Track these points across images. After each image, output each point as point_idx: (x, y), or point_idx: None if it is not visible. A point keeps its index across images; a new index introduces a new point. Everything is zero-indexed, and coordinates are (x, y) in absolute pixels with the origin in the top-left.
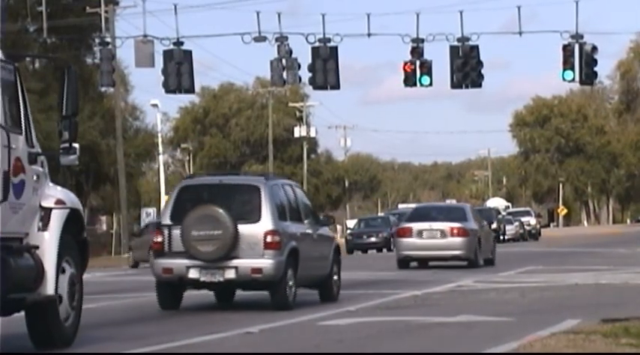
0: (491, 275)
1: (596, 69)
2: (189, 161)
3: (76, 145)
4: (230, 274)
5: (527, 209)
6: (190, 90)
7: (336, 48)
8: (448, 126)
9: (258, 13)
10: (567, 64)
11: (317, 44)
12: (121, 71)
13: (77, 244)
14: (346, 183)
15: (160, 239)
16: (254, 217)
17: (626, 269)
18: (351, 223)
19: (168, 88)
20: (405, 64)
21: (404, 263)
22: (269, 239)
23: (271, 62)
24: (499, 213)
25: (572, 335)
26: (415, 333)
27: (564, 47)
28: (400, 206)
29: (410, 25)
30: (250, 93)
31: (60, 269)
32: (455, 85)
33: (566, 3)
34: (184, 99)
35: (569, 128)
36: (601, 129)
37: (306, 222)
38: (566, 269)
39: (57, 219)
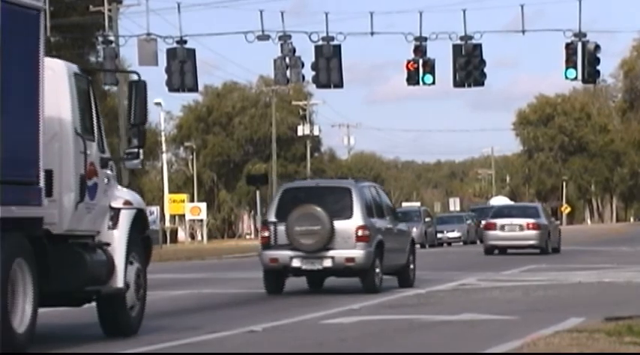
0: (495, 273)
1: (598, 67)
2: (192, 159)
3: (140, 151)
4: (327, 263)
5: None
6: (194, 88)
7: (339, 46)
8: (452, 125)
9: (261, 12)
10: (570, 62)
11: (320, 43)
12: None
13: (142, 241)
14: None
15: (266, 234)
16: (347, 214)
17: (629, 267)
18: None
19: (172, 87)
20: (408, 62)
21: (490, 251)
22: (360, 233)
23: (275, 61)
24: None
25: (576, 333)
26: (418, 332)
27: (567, 46)
28: (404, 204)
29: (413, 23)
30: (254, 91)
31: (127, 264)
32: (457, 84)
33: (570, 1)
34: (188, 98)
35: (573, 126)
36: (604, 128)
37: (387, 218)
38: (569, 267)
39: (125, 218)
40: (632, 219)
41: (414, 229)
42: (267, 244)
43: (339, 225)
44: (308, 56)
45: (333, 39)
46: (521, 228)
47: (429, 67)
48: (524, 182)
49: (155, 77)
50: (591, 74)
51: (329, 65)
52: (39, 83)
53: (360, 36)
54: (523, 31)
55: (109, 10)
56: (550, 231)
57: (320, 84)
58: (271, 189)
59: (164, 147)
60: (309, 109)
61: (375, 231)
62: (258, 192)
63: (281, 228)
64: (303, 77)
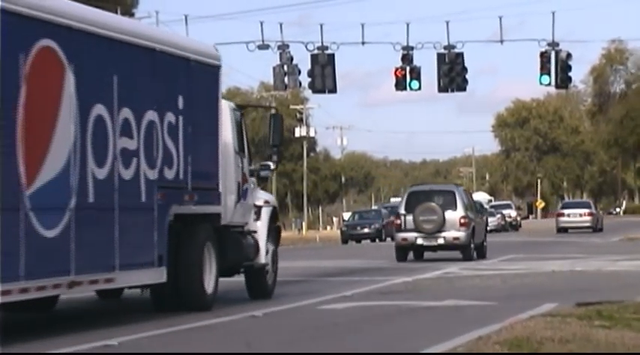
0: (475, 263)
1: (570, 74)
2: None
3: (272, 164)
4: (440, 241)
5: (509, 202)
6: None
7: (333, 55)
8: (437, 127)
9: (261, 23)
10: (544, 69)
11: (316, 52)
12: None
13: (274, 229)
14: (343, 179)
15: (399, 222)
16: (453, 208)
17: (599, 257)
18: (347, 215)
19: None
20: (396, 69)
21: (561, 231)
22: (462, 221)
23: (274, 68)
24: (482, 206)
25: (550, 317)
26: (406, 316)
27: (542, 54)
28: (392, 199)
29: (401, 34)
30: (255, 96)
31: (267, 246)
32: (442, 89)
33: (545, 14)
34: None
35: (547, 128)
36: (576, 130)
37: (474, 211)
38: (544, 257)
39: (265, 213)
40: (601, 213)
41: None
42: (399, 229)
43: (448, 215)
44: (304, 64)
45: (327, 48)
46: (580, 215)
47: (416, 74)
48: (503, 179)
49: None
50: (564, 80)
51: (324, 72)
52: (219, 118)
53: (353, 45)
54: (501, 41)
55: None
56: (598, 217)
57: (315, 89)
58: (271, 185)
59: None
60: (305, 113)
61: (470, 220)
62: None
63: (409, 217)
64: (300, 83)
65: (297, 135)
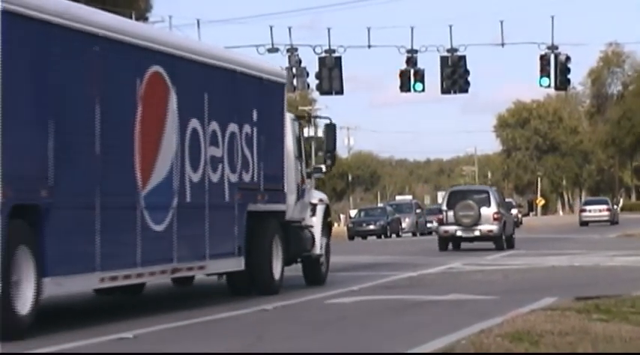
0: (478, 258)
1: (569, 76)
2: None
3: (324, 167)
4: (477, 233)
5: (510, 200)
6: None
7: (340, 58)
8: (440, 127)
9: (271, 28)
10: (544, 71)
11: (323, 54)
12: None
13: (327, 224)
14: (349, 178)
15: (441, 216)
16: (487, 205)
17: (597, 253)
18: (353, 213)
19: None
20: (401, 72)
21: (583, 224)
22: (495, 216)
23: None
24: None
25: (550, 311)
26: (411, 310)
27: (541, 57)
28: (397, 197)
29: (405, 37)
30: None
31: (321, 239)
32: (445, 91)
33: (545, 18)
34: None
35: (547, 129)
36: (574, 130)
37: (504, 208)
38: (544, 253)
39: (320, 210)
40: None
41: (407, 219)
42: (441, 222)
43: (483, 211)
44: (312, 66)
45: (334, 51)
46: (600, 210)
47: (420, 76)
48: (504, 178)
49: None
50: (563, 82)
51: (331, 74)
52: (284, 128)
53: (359, 48)
54: (503, 44)
55: None
56: (615, 212)
57: (323, 91)
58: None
59: None
60: (313, 113)
61: (502, 215)
62: None
63: (450, 213)
64: (308, 85)
65: (305, 135)
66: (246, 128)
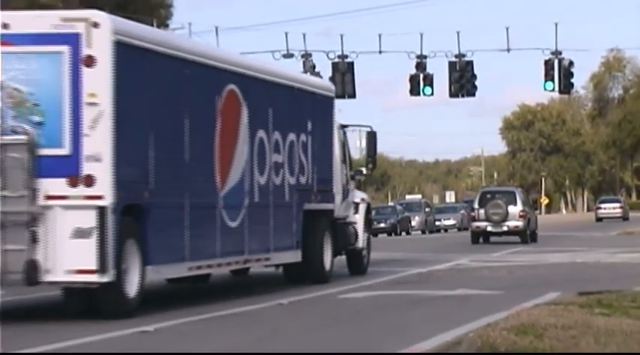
0: (484, 255)
1: (572, 80)
2: None
3: (364, 170)
4: (505, 228)
5: None
6: None
7: (352, 63)
8: (448, 130)
9: (286, 34)
10: (548, 76)
11: (336, 60)
12: None
13: (368, 220)
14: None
15: (473, 214)
16: (514, 203)
17: (599, 250)
18: None
19: None
20: (411, 76)
21: (599, 220)
22: (521, 213)
23: None
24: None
25: (553, 306)
26: (421, 305)
27: (546, 62)
28: (407, 197)
29: (415, 43)
30: None
31: (363, 234)
32: (453, 95)
33: (547, 25)
34: None
35: (550, 131)
36: (577, 132)
37: (528, 206)
38: (547, 250)
39: (362, 208)
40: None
41: (417, 218)
42: (474, 219)
43: (510, 209)
44: (326, 71)
45: (347, 57)
46: (614, 207)
47: (429, 81)
48: (509, 178)
49: None
50: (566, 86)
51: (344, 79)
52: (333, 137)
53: (371, 54)
54: (508, 50)
55: None
56: (626, 209)
57: (336, 95)
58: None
59: None
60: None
61: (526, 213)
62: None
63: (481, 211)
64: None
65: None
66: (302, 137)
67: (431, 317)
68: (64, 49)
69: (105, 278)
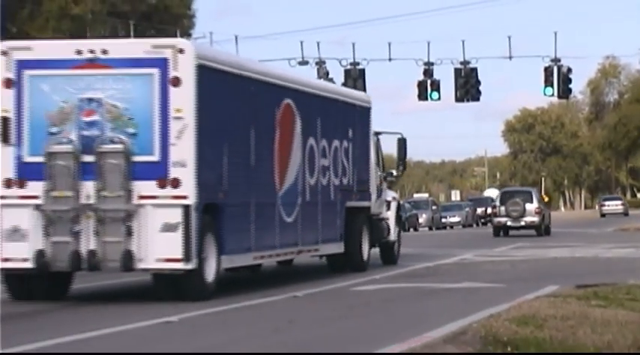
0: (488, 250)
1: (570, 86)
2: None
3: (395, 172)
4: (522, 223)
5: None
6: None
7: (364, 70)
8: (454, 132)
9: (302, 43)
10: (548, 82)
11: (349, 67)
12: None
13: (398, 217)
14: None
15: (494, 210)
16: (530, 201)
17: (596, 245)
18: None
19: None
20: (419, 82)
21: (603, 215)
22: (536, 210)
23: None
24: (493, 200)
25: (553, 298)
26: (428, 296)
27: (545, 69)
28: (415, 195)
29: (422, 51)
30: None
31: (395, 228)
32: (458, 99)
33: (547, 33)
34: None
35: (550, 133)
36: (575, 134)
37: (543, 203)
38: (547, 245)
39: (393, 206)
40: (597, 207)
41: (424, 215)
42: (495, 215)
43: (527, 206)
44: (339, 78)
45: (359, 64)
46: (617, 205)
47: (436, 86)
48: (511, 177)
49: None
50: (564, 91)
51: (356, 85)
52: (370, 142)
53: (381, 61)
54: (510, 57)
55: None
56: (627, 206)
57: None
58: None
59: None
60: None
61: (542, 209)
62: None
63: (502, 208)
64: None
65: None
66: (345, 143)
67: (437, 308)
68: (155, 71)
69: (189, 266)
